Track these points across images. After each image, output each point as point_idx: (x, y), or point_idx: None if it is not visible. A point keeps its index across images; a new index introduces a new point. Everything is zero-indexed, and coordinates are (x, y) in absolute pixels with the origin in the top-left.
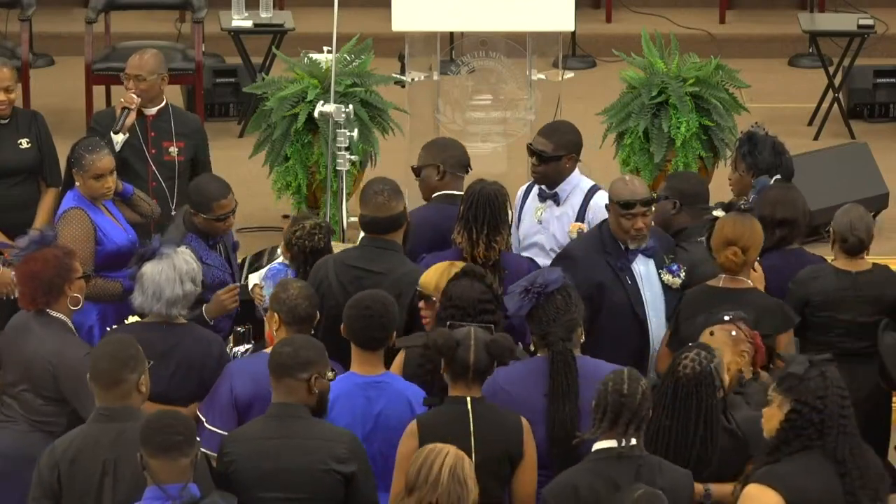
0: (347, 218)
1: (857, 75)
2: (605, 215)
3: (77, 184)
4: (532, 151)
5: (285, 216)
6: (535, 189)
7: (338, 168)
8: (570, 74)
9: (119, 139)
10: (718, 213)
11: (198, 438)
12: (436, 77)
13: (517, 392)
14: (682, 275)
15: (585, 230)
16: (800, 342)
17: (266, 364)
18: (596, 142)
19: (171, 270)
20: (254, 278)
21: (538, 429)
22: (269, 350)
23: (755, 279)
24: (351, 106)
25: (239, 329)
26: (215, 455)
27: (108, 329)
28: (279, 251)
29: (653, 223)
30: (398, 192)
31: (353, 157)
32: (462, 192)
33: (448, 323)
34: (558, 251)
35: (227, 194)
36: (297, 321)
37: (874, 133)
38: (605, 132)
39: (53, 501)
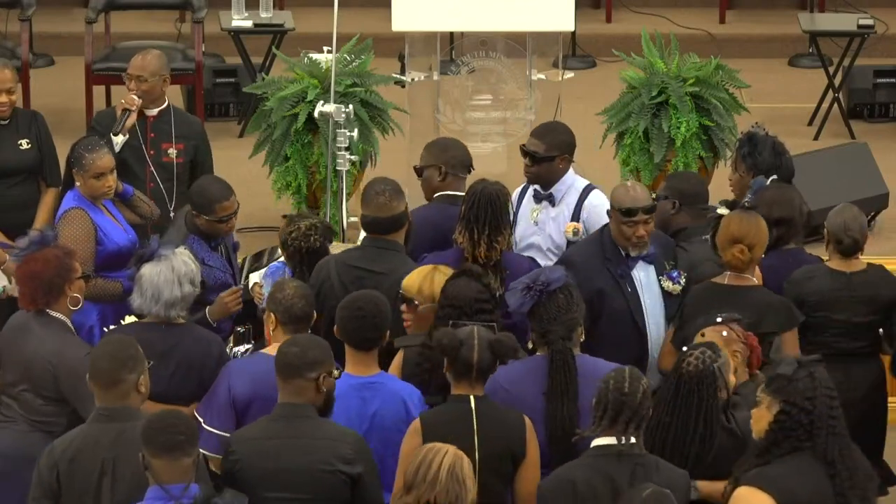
0: (347, 218)
1: (857, 75)
2: (601, 214)
3: (77, 184)
4: (525, 152)
5: (285, 216)
6: (531, 191)
7: (338, 168)
8: (570, 74)
9: (119, 140)
10: (723, 210)
11: None
12: (436, 77)
13: (517, 391)
14: (683, 281)
15: (581, 229)
16: None
17: (265, 364)
18: (596, 142)
19: (170, 272)
20: (254, 277)
21: (538, 428)
22: (267, 350)
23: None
24: (351, 106)
25: (239, 329)
26: (213, 455)
27: (108, 329)
28: (279, 251)
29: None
30: (399, 193)
31: (353, 157)
32: (464, 193)
33: (451, 322)
34: (555, 251)
35: (230, 196)
36: (294, 321)
37: (874, 133)
38: (605, 132)
39: (53, 501)
